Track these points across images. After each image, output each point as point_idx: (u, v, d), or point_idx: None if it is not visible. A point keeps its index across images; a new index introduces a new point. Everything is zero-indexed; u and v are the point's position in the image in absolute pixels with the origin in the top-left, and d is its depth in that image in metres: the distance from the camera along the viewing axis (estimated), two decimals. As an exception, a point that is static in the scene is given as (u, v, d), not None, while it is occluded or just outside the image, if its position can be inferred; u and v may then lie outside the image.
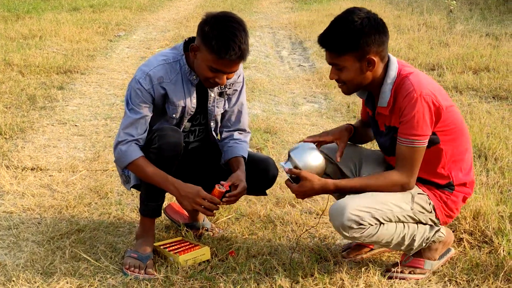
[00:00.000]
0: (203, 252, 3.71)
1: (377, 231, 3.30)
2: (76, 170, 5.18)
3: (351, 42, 3.25)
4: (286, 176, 3.49)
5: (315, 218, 4.31)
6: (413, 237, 3.41)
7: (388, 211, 3.30)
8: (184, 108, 3.62)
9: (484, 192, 4.43)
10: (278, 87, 8.14)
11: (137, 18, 13.65)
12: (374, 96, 3.48)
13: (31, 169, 5.18)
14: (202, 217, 4.13)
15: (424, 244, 3.47)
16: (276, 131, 6.21)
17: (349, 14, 3.29)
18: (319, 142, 3.62)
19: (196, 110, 3.69)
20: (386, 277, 3.52)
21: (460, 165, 3.42)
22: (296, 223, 4.23)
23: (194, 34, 3.50)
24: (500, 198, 4.38)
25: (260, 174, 3.79)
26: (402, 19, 12.51)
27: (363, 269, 3.57)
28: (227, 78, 3.50)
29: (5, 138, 5.87)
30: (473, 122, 6.14)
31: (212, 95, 3.70)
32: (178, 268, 3.60)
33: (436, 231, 3.47)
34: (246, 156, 3.79)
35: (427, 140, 3.26)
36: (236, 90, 3.82)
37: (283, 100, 7.54)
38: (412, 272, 3.54)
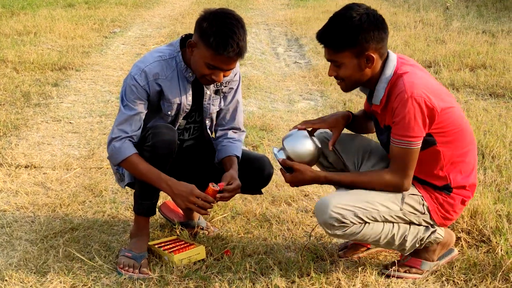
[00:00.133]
0: (198, 251, 3.68)
1: (361, 230, 3.28)
2: (70, 167, 5.14)
3: (350, 39, 3.22)
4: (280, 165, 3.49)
5: (311, 216, 4.28)
6: (404, 237, 3.38)
7: (374, 210, 3.28)
8: (179, 105, 3.59)
9: (482, 190, 4.39)
10: (274, 84, 8.11)
11: (133, 15, 13.60)
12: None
13: (25, 167, 5.14)
14: (197, 215, 4.10)
15: (418, 245, 3.43)
16: (272, 129, 6.18)
17: (348, 10, 3.25)
18: (313, 128, 3.58)
19: (191, 107, 3.66)
20: (383, 276, 3.49)
21: (460, 167, 3.37)
22: (292, 222, 4.20)
23: (190, 31, 3.47)
24: (497, 197, 4.35)
25: (255, 172, 3.76)
26: (398, 16, 12.48)
27: (359, 269, 3.53)
28: (224, 76, 3.47)
29: (-1, 135, 5.83)
30: (470, 119, 6.11)
31: (208, 92, 3.67)
32: (173, 267, 3.56)
33: (432, 232, 3.43)
34: (239, 155, 3.76)
35: (421, 141, 3.21)
36: (232, 88, 3.79)
37: (279, 97, 7.50)
38: (407, 271, 3.52)
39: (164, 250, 3.69)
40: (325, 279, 3.45)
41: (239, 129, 3.88)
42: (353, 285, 3.41)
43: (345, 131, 3.67)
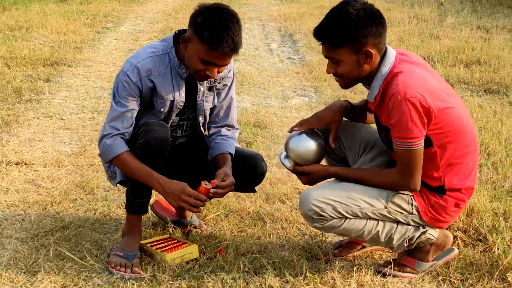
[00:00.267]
0: (191, 250, 3.63)
1: (341, 225, 3.27)
2: (62, 164, 5.08)
3: (347, 35, 3.16)
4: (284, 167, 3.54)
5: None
6: (390, 235, 3.34)
7: (355, 206, 3.26)
8: (172, 102, 3.54)
9: (478, 188, 4.34)
10: (267, 80, 8.06)
11: (125, 10, 13.53)
12: None
13: (16, 164, 5.07)
14: (190, 214, 4.05)
15: (406, 244, 3.39)
16: (266, 125, 6.13)
17: (345, 5, 3.19)
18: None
19: (184, 104, 3.61)
20: (379, 275, 3.45)
21: (457, 170, 3.30)
22: (286, 220, 4.15)
23: (183, 26, 3.42)
24: (494, 195, 4.31)
25: (248, 170, 3.71)
26: (392, 11, 12.45)
27: (355, 268, 3.49)
28: (218, 72, 3.43)
29: (-10, 131, 5.77)
30: (465, 116, 6.07)
31: (202, 89, 3.62)
32: (165, 267, 3.52)
33: (423, 233, 3.38)
34: (233, 152, 3.71)
35: (422, 140, 3.15)
36: (226, 85, 3.74)
37: (273, 93, 7.46)
38: (401, 270, 3.48)
39: (156, 249, 3.64)
40: (320, 279, 3.40)
41: (232, 126, 3.83)
42: (348, 285, 3.37)
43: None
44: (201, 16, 3.30)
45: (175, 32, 3.55)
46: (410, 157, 3.17)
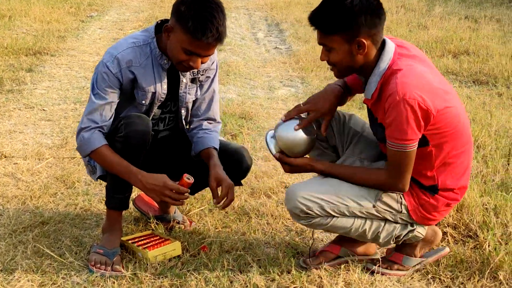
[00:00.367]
0: (173, 247, 3.54)
1: (328, 223, 3.21)
2: (43, 157, 4.97)
3: (340, 22, 3.05)
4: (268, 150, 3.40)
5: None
6: (377, 233, 3.27)
7: (342, 205, 3.19)
8: (154, 94, 3.43)
9: (468, 183, 4.27)
10: (254, 71, 7.96)
11: (110, -2, 13.39)
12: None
13: (-5, 156, 4.96)
14: (173, 209, 3.95)
15: (393, 241, 3.33)
16: (252, 117, 6.04)
17: None
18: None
19: (166, 96, 3.51)
20: (367, 273, 3.38)
21: (451, 169, 3.21)
22: (272, 215, 4.05)
23: (169, 15, 3.30)
24: (484, 189, 4.23)
25: (233, 165, 3.61)
26: (380, 0, 12.32)
27: (342, 266, 3.41)
28: (202, 62, 3.32)
29: (-31, 123, 5.64)
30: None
31: (184, 81, 3.52)
32: (147, 264, 3.42)
33: (410, 231, 3.30)
34: (217, 147, 3.61)
35: (416, 143, 3.05)
36: (209, 77, 3.63)
37: (259, 84, 7.36)
38: (389, 268, 3.42)
39: (138, 246, 3.54)
40: (306, 277, 3.32)
41: (214, 119, 3.72)
42: (336, 284, 3.28)
43: (341, 108, 3.54)
44: (184, 5, 3.19)
45: (157, 22, 3.44)
46: (401, 159, 3.08)
